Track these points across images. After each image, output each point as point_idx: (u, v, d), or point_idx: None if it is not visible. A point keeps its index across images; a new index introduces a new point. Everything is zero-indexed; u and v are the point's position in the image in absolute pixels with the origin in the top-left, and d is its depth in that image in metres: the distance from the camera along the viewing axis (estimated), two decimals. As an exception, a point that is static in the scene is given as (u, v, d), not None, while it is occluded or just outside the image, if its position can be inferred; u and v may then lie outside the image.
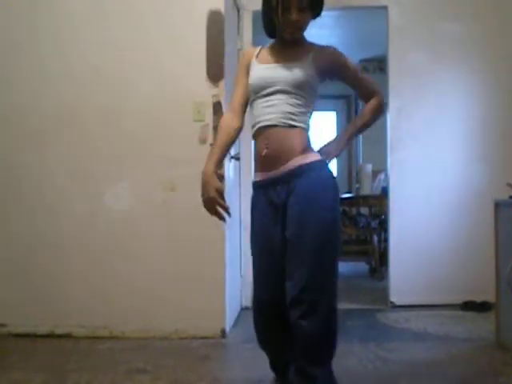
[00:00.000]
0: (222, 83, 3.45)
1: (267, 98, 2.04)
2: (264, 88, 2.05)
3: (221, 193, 2.14)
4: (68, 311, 3.50)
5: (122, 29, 3.54)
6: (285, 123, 2.02)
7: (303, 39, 2.13)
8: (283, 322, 2.07)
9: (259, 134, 2.06)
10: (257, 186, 2.16)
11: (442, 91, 4.27)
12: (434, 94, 4.26)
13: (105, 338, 3.44)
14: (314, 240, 1.97)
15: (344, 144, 2.16)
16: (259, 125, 2.06)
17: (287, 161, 2.02)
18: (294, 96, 2.03)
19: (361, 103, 7.95)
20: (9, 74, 3.59)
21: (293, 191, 2.02)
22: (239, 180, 4.13)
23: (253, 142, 2.16)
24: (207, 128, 3.45)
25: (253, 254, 2.21)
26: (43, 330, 3.49)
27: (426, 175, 4.23)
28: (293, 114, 2.03)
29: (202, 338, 3.38)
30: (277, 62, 2.08)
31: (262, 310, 2.16)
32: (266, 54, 2.14)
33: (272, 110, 2.03)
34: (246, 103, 2.17)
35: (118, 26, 3.54)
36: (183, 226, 3.47)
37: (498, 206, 3.21)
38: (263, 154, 2.04)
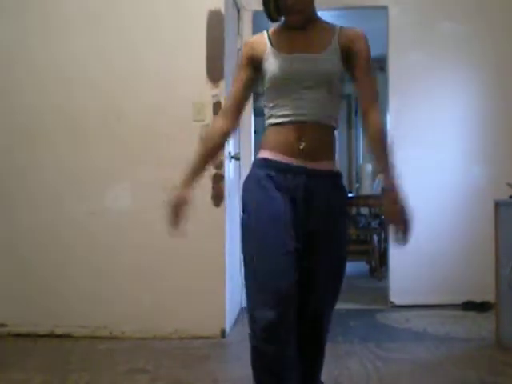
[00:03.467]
0: (222, 83, 3.45)
1: (301, 92, 1.81)
2: (291, 82, 1.81)
3: (183, 202, 2.05)
4: (68, 311, 3.50)
5: (123, 29, 3.53)
6: (322, 121, 1.82)
7: (318, 20, 1.90)
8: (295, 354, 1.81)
9: (288, 126, 1.81)
10: (272, 165, 1.83)
11: (442, 91, 4.26)
12: (434, 94, 4.26)
13: (105, 337, 3.44)
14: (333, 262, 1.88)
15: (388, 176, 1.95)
16: (290, 118, 1.81)
17: (322, 160, 1.83)
18: (327, 90, 1.83)
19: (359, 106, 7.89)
20: (12, 75, 3.59)
21: (318, 196, 1.81)
22: (239, 180, 4.13)
23: (270, 128, 1.88)
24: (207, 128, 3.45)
25: (253, 248, 1.80)
26: (43, 330, 3.48)
27: (426, 175, 4.22)
28: (329, 109, 1.84)
29: (202, 337, 3.38)
30: (301, 50, 1.84)
31: (273, 337, 1.73)
32: (281, 39, 1.87)
33: (307, 105, 1.81)
34: (245, 102, 1.95)
35: (119, 27, 3.54)
36: (183, 225, 3.46)
37: (498, 205, 3.21)
38: (301, 147, 1.79)
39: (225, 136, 1.95)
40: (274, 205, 1.79)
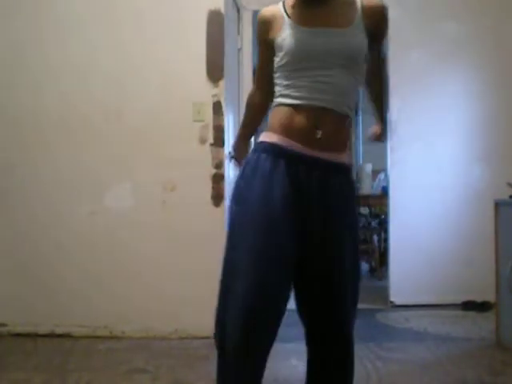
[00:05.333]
0: (221, 83, 3.44)
1: (319, 72, 1.61)
2: (312, 59, 1.60)
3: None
4: (68, 311, 3.50)
5: (122, 29, 3.53)
6: (341, 110, 1.63)
7: None
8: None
9: (304, 110, 1.61)
10: (282, 153, 1.61)
11: (442, 91, 4.26)
12: (434, 94, 4.25)
13: (105, 337, 3.44)
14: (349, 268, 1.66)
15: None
16: (307, 102, 1.60)
17: (338, 152, 1.65)
18: (351, 72, 1.64)
19: (361, 103, 7.81)
20: (13, 74, 3.58)
21: (333, 193, 1.63)
22: (239, 180, 4.12)
23: (281, 108, 1.67)
24: (207, 128, 3.45)
25: (239, 253, 1.57)
26: (43, 329, 3.48)
27: (426, 175, 4.22)
28: (349, 96, 1.65)
29: (202, 338, 3.38)
30: (323, 24, 1.62)
31: (246, 359, 1.55)
32: (300, 13, 1.66)
33: (328, 89, 1.60)
34: (272, 81, 1.72)
35: (118, 27, 3.54)
36: (183, 225, 3.47)
37: (498, 205, 3.21)
38: (318, 136, 1.59)
39: (264, 106, 1.85)
40: (276, 208, 1.55)
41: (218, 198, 3.43)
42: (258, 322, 1.53)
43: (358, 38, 1.63)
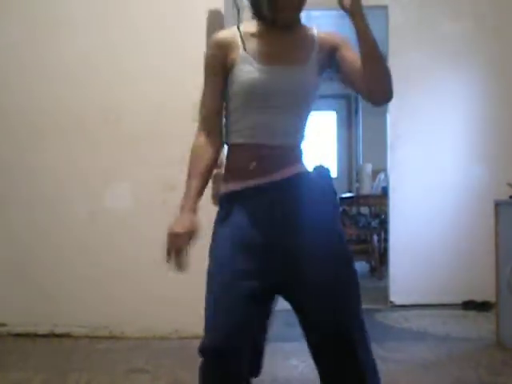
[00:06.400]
0: (221, 83, 3.44)
1: (267, 110, 1.58)
2: (264, 97, 1.57)
3: (191, 231, 1.70)
4: (68, 311, 3.50)
5: (122, 29, 3.53)
6: (286, 146, 1.60)
7: (300, 22, 1.64)
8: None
9: (245, 147, 1.63)
10: (233, 197, 1.70)
11: (442, 91, 4.26)
12: (434, 94, 4.26)
13: (104, 337, 3.43)
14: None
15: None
16: (252, 140, 1.61)
17: (282, 168, 1.59)
18: (299, 109, 1.61)
19: (361, 103, 7.78)
20: (9, 74, 3.58)
21: (291, 210, 1.58)
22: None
23: (227, 149, 1.72)
24: (207, 128, 3.45)
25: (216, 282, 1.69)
26: (43, 329, 3.48)
27: (426, 175, 4.22)
28: (297, 132, 1.62)
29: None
30: (277, 62, 1.57)
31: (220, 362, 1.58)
32: (258, 43, 1.58)
33: (273, 128, 1.59)
34: (221, 111, 1.70)
35: (118, 27, 3.54)
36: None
37: (498, 206, 3.21)
38: (250, 167, 1.61)
39: (217, 156, 1.77)
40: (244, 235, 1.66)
41: (217, 198, 3.42)
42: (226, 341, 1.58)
43: (309, 78, 1.59)
